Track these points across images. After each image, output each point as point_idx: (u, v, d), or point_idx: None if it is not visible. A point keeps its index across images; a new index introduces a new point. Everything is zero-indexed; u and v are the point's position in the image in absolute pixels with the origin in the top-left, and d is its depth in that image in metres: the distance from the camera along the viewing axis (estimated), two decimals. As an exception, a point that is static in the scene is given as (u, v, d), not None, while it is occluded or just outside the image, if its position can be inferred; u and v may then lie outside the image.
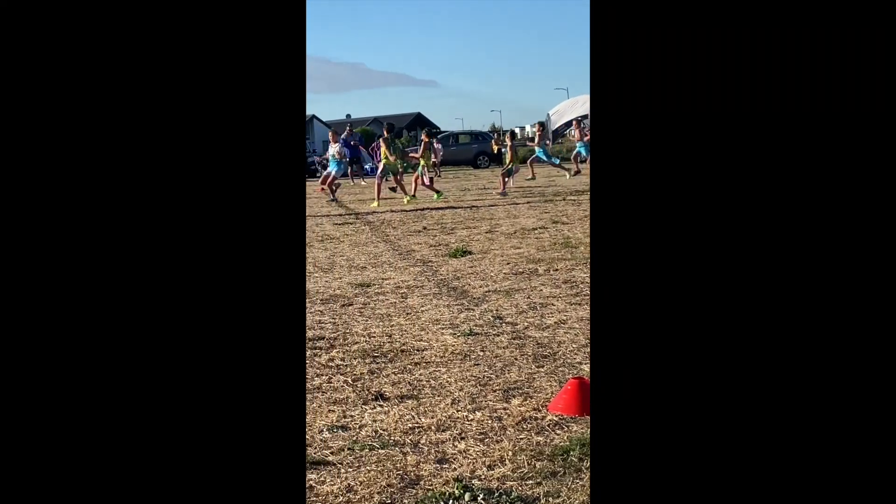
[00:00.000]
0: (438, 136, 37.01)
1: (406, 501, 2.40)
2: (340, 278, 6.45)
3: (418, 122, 65.88)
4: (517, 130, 59.70)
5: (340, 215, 12.81)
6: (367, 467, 2.64)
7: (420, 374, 3.64)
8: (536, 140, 19.18)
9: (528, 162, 19.92)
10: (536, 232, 8.92)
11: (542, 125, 20.79)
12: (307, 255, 7.93)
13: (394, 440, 2.87)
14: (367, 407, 3.23)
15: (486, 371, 3.65)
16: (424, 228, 9.88)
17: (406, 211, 12.78)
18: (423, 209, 12.89)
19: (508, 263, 6.74)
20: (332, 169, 16.48)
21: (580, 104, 35.48)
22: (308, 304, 5.40)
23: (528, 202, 13.17)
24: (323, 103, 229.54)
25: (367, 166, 33.64)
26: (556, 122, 35.76)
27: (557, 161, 19.19)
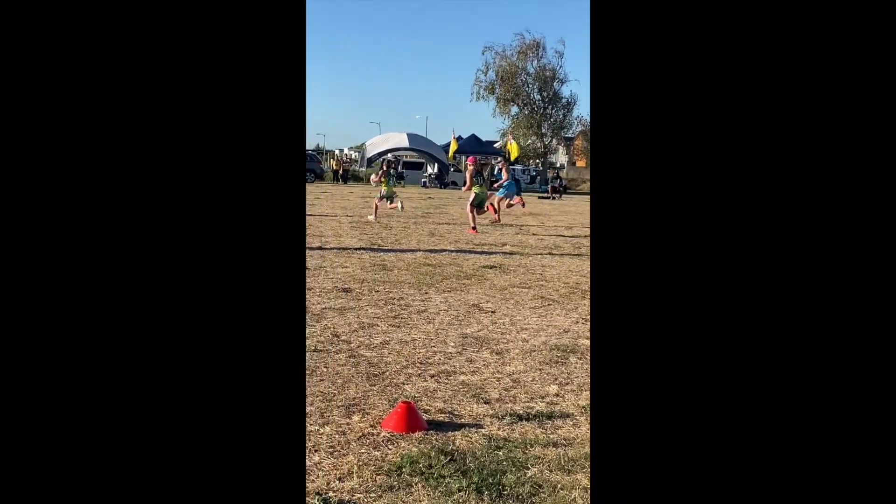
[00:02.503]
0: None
1: (276, 511, 2.40)
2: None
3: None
4: (336, 152, 59.24)
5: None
6: (241, 478, 2.61)
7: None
8: (504, 177, 14.80)
9: (497, 202, 14.68)
10: (359, 253, 8.96)
11: (509, 161, 15.81)
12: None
13: (260, 451, 2.84)
14: (235, 418, 3.18)
15: (329, 387, 3.68)
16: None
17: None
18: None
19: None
20: None
21: (391, 139, 35.92)
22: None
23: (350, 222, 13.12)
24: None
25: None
26: (371, 152, 35.91)
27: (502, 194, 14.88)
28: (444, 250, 9.56)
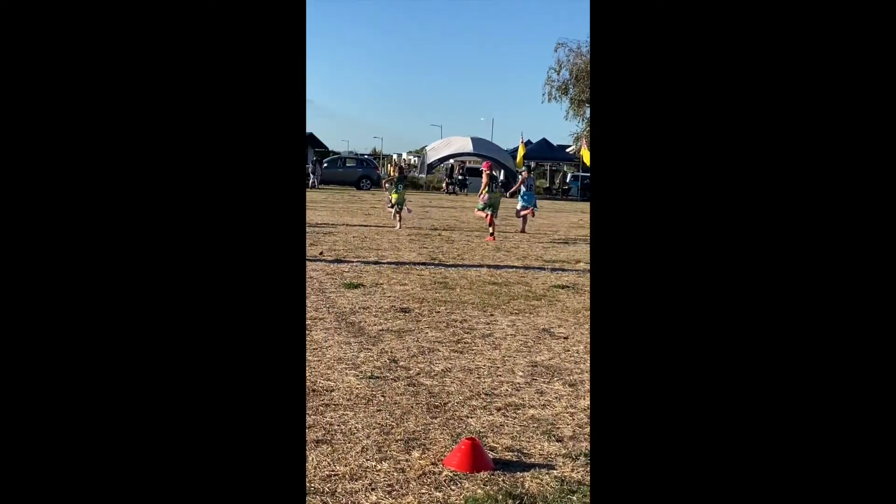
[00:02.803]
0: (326, 159, 36.75)
1: (330, 555, 2.43)
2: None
3: (310, 141, 64.92)
4: (394, 157, 59.90)
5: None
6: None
7: (331, 418, 3.66)
8: (519, 182, 15.34)
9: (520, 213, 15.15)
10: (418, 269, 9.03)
11: (529, 169, 16.52)
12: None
13: (314, 487, 2.89)
14: (287, 450, 3.23)
15: (387, 418, 3.71)
16: (321, 254, 9.82)
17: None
18: (317, 232, 12.79)
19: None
20: None
21: (453, 144, 36.06)
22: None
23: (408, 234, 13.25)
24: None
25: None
26: (432, 157, 36.15)
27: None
28: (511, 267, 9.54)
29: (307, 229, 13.10)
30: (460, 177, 35.81)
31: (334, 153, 55.93)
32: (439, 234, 13.50)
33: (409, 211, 14.90)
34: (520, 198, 15.02)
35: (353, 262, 9.30)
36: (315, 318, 5.87)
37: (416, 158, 54.94)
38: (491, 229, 13.05)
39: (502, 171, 35.94)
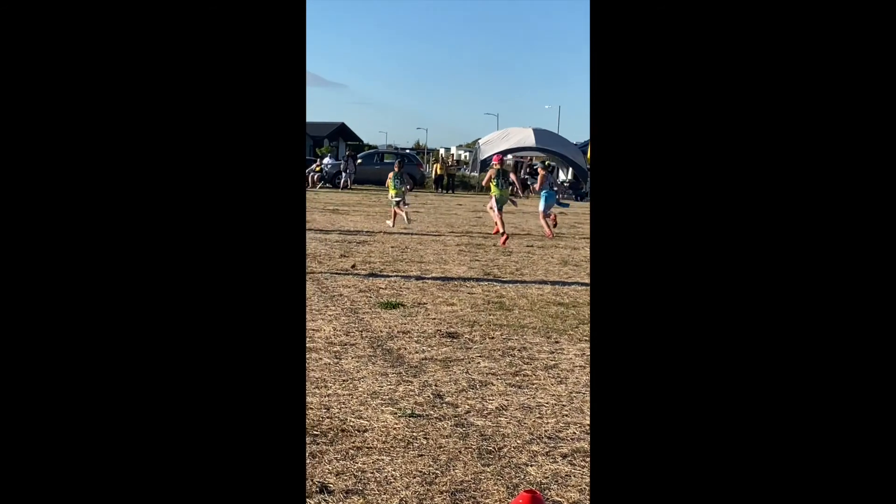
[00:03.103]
0: (359, 154, 37.08)
1: None
2: (268, 324, 6.41)
3: (342, 133, 65.66)
4: (441, 151, 60.23)
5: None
6: (318, 582, 2.66)
7: (363, 464, 3.67)
8: (539, 183, 16.20)
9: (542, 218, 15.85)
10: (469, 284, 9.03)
11: (546, 167, 18.20)
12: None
13: (342, 547, 2.89)
14: (311, 501, 3.25)
15: (430, 465, 3.70)
16: (353, 267, 9.90)
17: (331, 242, 12.78)
18: (349, 241, 12.91)
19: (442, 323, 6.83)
20: None
21: (511, 136, 36.03)
22: (237, 357, 5.36)
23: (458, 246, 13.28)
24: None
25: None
26: (486, 152, 36.19)
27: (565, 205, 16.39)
28: (581, 284, 9.48)
29: (338, 237, 13.24)
30: (526, 176, 35.76)
31: (370, 147, 56.50)
32: (494, 245, 13.50)
33: (406, 203, 16.28)
34: (542, 199, 15.67)
35: (391, 276, 9.36)
36: (346, 344, 5.91)
37: (466, 154, 55.03)
38: (501, 229, 13.93)
39: (570, 170, 35.75)
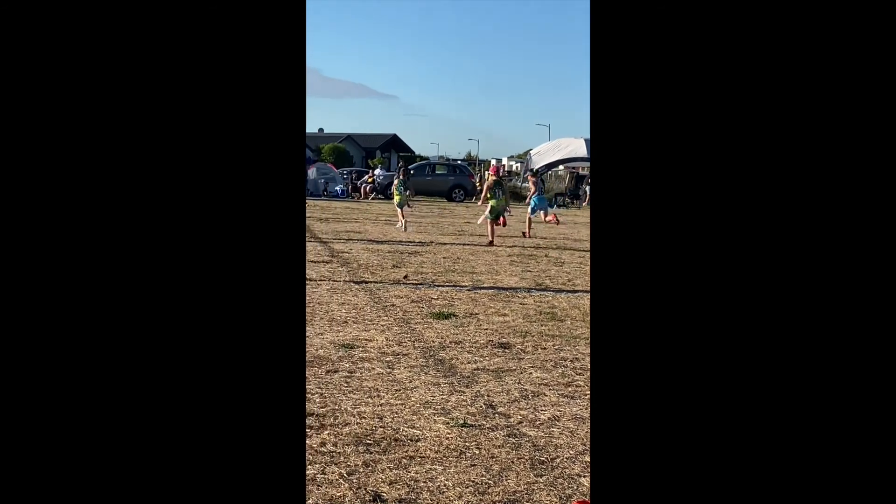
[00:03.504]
0: (411, 166, 37.26)
1: None
2: (321, 334, 6.48)
3: (393, 144, 66.06)
4: (493, 162, 60.22)
5: (315, 251, 12.85)
6: (372, 589, 2.68)
7: (416, 473, 3.70)
8: (532, 190, 18.34)
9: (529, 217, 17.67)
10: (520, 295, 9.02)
11: (535, 173, 21.33)
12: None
13: (395, 555, 2.92)
14: (364, 510, 3.28)
15: (483, 474, 3.71)
16: (405, 278, 9.95)
17: (383, 253, 12.86)
18: (401, 252, 12.98)
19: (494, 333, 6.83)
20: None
21: (563, 147, 35.92)
22: (291, 366, 5.42)
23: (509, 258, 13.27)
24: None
25: (337, 188, 33.73)
26: (538, 163, 36.12)
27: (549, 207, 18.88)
28: (634, 295, 9.40)
29: (389, 248, 13.32)
30: (585, 186, 35.64)
31: (421, 158, 56.76)
32: (546, 255, 13.46)
33: (403, 226, 17.43)
34: (532, 203, 17.79)
35: (443, 287, 9.38)
36: (398, 354, 5.94)
37: (518, 164, 54.97)
38: (490, 237, 14.92)
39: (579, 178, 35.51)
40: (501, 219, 15.93)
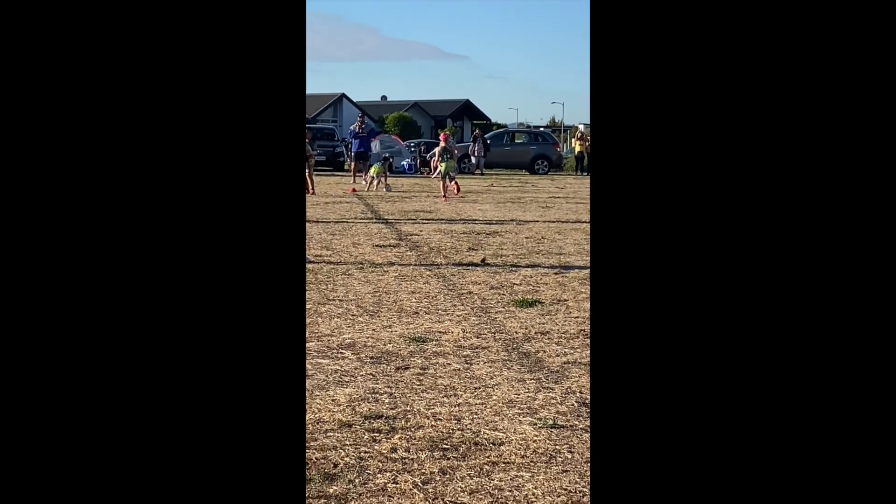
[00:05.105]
0: (487, 135, 37.12)
1: None
2: (390, 327, 6.52)
3: (466, 110, 66.05)
4: (581, 127, 59.59)
5: (381, 233, 12.93)
6: None
7: (500, 480, 3.68)
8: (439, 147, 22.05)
9: None
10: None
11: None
12: (348, 287, 8.04)
13: (478, 574, 2.91)
14: (442, 523, 3.28)
15: (577, 482, 3.68)
16: (483, 262, 9.95)
17: (458, 234, 12.88)
18: (478, 232, 12.98)
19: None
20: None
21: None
22: (357, 363, 5.48)
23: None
24: (348, 76, 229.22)
25: (403, 163, 33.87)
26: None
27: None
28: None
29: (464, 228, 13.33)
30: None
31: (499, 126, 56.66)
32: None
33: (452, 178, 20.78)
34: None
35: (526, 270, 9.35)
36: (477, 348, 5.94)
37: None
38: (444, 192, 20.12)
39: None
40: (454, 183, 20.75)
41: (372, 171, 22.22)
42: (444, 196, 19.88)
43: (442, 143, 21.02)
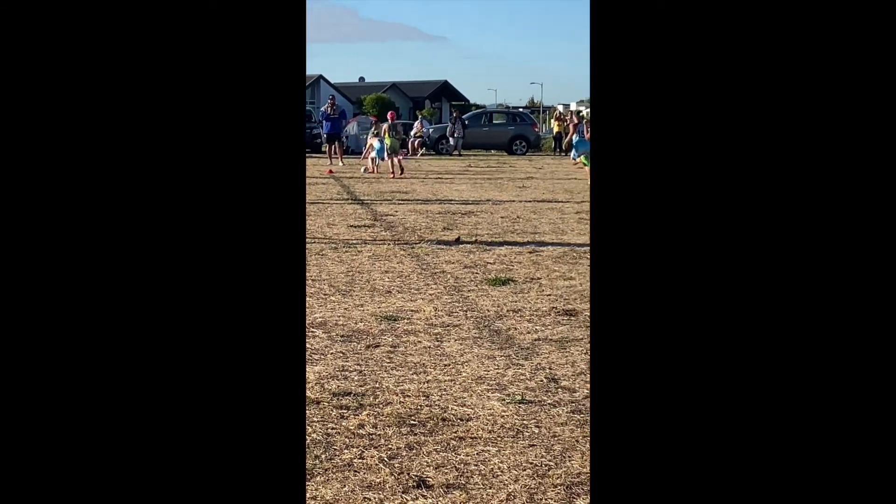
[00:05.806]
0: (465, 115, 37.05)
1: None
2: (362, 306, 6.52)
3: (444, 91, 65.88)
4: (559, 108, 59.66)
5: (356, 213, 12.92)
6: (414, 583, 2.70)
7: (466, 455, 3.71)
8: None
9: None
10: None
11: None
12: (321, 267, 8.03)
13: (441, 546, 2.93)
14: (407, 497, 3.30)
15: (543, 455, 3.71)
16: (457, 241, 9.96)
17: (433, 214, 12.88)
18: (453, 212, 12.98)
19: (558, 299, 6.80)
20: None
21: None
22: (328, 341, 5.49)
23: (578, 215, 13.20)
24: (326, 57, 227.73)
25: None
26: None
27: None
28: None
29: (440, 208, 13.33)
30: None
31: (477, 107, 56.56)
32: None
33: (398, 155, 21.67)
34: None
35: (500, 249, 9.37)
36: (448, 326, 5.96)
37: (587, 110, 54.44)
38: (392, 169, 21.06)
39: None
40: (397, 158, 21.41)
41: (386, 141, 21.87)
42: (392, 173, 20.99)
43: (389, 121, 22.42)
